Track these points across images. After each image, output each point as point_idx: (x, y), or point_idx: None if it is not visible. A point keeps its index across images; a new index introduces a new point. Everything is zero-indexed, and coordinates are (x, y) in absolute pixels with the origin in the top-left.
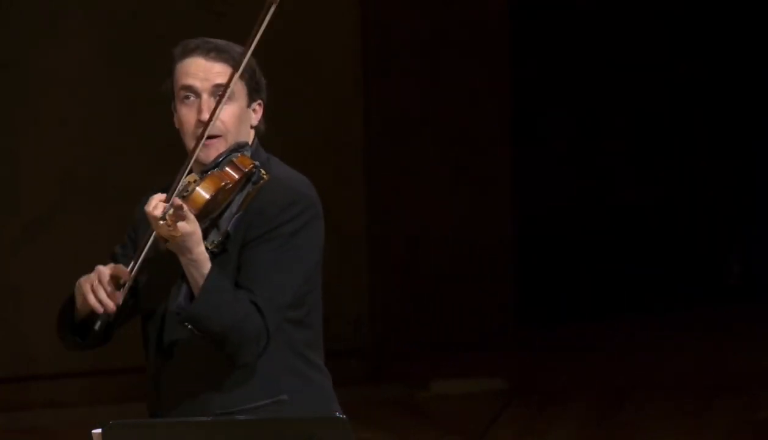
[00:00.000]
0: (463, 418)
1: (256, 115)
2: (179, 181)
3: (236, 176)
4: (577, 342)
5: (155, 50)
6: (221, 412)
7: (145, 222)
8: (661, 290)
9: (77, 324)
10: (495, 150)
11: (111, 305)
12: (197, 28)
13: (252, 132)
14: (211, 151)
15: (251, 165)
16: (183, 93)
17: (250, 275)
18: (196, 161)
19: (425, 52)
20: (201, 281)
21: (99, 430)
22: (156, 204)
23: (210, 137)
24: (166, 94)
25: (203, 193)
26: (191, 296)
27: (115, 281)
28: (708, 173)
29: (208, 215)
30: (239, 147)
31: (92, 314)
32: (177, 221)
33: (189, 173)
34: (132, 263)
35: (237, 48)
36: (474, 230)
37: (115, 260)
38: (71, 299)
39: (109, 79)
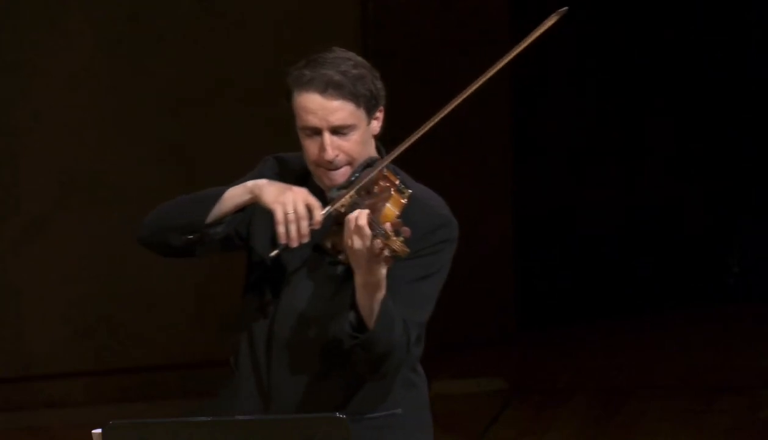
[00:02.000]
0: (462, 418)
1: (378, 122)
2: (335, 203)
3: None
4: (577, 341)
5: (156, 50)
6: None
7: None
8: (661, 289)
9: (203, 224)
10: (495, 150)
11: (297, 242)
12: (197, 29)
13: (373, 141)
14: (338, 178)
15: (397, 180)
16: (303, 128)
17: (394, 293)
18: (322, 183)
19: (425, 52)
20: (375, 306)
21: (99, 430)
22: (361, 216)
23: (335, 168)
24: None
25: (392, 211)
26: (357, 316)
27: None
28: (707, 172)
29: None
30: (369, 163)
31: (217, 223)
32: (406, 236)
33: (340, 190)
34: (328, 207)
35: (351, 70)
36: (474, 230)
37: None
38: (213, 196)
39: (110, 80)
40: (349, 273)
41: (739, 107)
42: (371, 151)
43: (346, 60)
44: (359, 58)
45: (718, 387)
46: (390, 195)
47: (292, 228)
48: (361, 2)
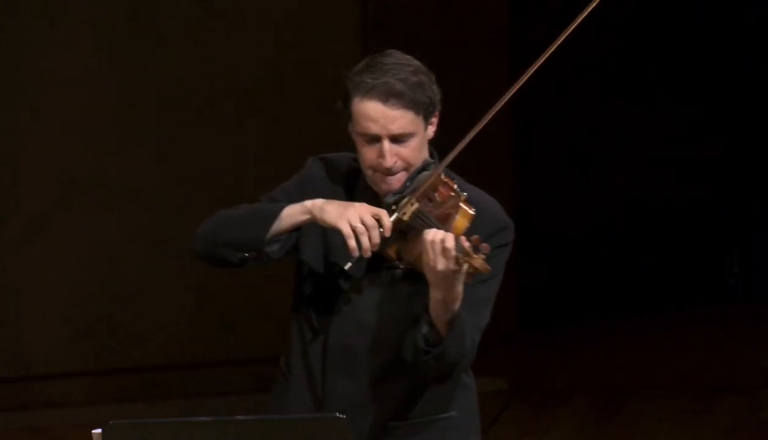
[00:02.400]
0: None
1: (433, 127)
2: (398, 212)
3: (454, 195)
4: (577, 341)
5: (156, 50)
6: (393, 423)
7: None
8: (661, 289)
9: (263, 243)
10: (495, 151)
11: (370, 252)
12: (197, 29)
13: (427, 145)
14: (394, 184)
15: (454, 185)
16: (362, 134)
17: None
18: (378, 188)
19: (425, 52)
20: (450, 318)
21: (99, 430)
22: (446, 238)
23: (392, 174)
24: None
25: (463, 223)
26: (430, 329)
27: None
28: (708, 172)
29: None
30: (425, 167)
31: (273, 241)
32: (486, 252)
33: (404, 199)
34: (395, 215)
35: (411, 77)
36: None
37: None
38: (270, 213)
39: (110, 80)
40: (407, 277)
41: (740, 107)
42: (426, 155)
43: (406, 66)
44: (416, 62)
45: (718, 387)
46: (458, 208)
47: (364, 239)
48: (361, 2)
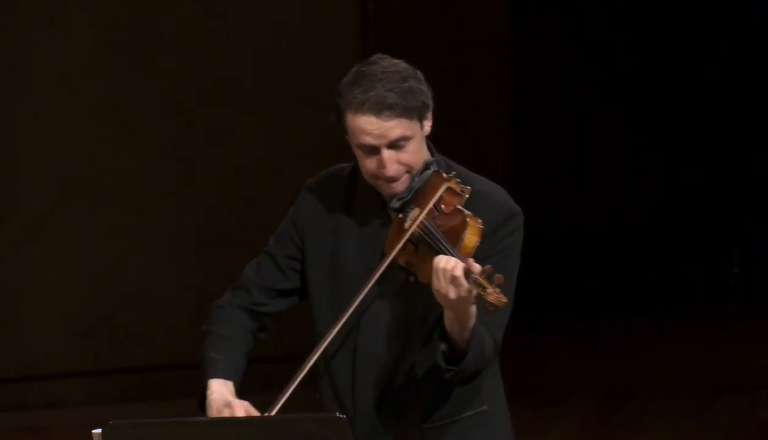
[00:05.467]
0: None
1: (428, 123)
2: (403, 225)
3: (456, 201)
4: (576, 341)
5: (156, 51)
6: (428, 427)
7: (317, 233)
8: (662, 290)
9: None
10: (495, 150)
11: None
12: (197, 29)
13: (425, 141)
14: (399, 187)
15: (458, 185)
16: (361, 147)
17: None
18: (383, 192)
19: (425, 52)
20: (466, 335)
21: (99, 430)
22: (457, 267)
23: (395, 180)
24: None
25: (473, 241)
26: (448, 346)
27: None
28: (708, 172)
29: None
30: (427, 166)
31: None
32: (499, 284)
33: (410, 209)
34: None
35: (401, 84)
36: None
37: (272, 258)
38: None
39: (110, 80)
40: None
41: (740, 107)
42: (426, 154)
43: (394, 73)
44: (403, 65)
45: (719, 387)
46: (466, 224)
47: None
48: (361, 2)
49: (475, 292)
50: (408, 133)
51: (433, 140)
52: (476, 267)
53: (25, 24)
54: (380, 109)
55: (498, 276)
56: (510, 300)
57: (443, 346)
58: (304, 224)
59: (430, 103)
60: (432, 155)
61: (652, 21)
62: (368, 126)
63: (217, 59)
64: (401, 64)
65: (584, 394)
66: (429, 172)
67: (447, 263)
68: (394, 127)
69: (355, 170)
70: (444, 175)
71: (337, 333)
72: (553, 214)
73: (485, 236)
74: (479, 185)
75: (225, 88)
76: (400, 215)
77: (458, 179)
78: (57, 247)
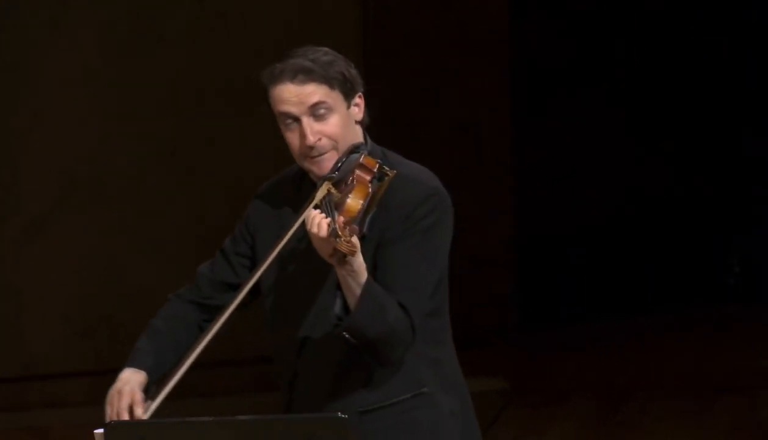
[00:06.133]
0: None
1: (358, 109)
2: (313, 198)
3: (368, 178)
4: (577, 341)
5: (156, 51)
6: (362, 410)
7: (266, 230)
8: (662, 289)
9: None
10: (496, 150)
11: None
12: (198, 29)
13: (359, 128)
14: (326, 163)
15: (376, 164)
16: (283, 119)
17: (392, 274)
18: (314, 174)
19: (425, 52)
20: (358, 290)
21: (101, 430)
22: (320, 223)
23: (321, 154)
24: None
25: (356, 202)
26: (345, 305)
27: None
28: (708, 172)
29: (354, 222)
30: (355, 149)
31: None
32: (351, 236)
33: (321, 185)
34: (153, 404)
35: (321, 57)
36: (474, 229)
37: (225, 255)
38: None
39: (110, 80)
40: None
41: (741, 106)
42: (357, 138)
43: (316, 50)
44: (331, 50)
45: (719, 387)
46: (353, 187)
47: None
48: (361, 2)
49: (336, 244)
50: (327, 100)
51: (435, 139)
52: (339, 222)
53: (26, 24)
54: (295, 73)
55: (353, 227)
56: (430, 284)
57: (338, 303)
58: (254, 223)
59: (359, 87)
60: (365, 143)
61: (653, 20)
62: (286, 93)
63: (217, 59)
64: (331, 50)
65: (584, 394)
66: (356, 155)
67: (312, 222)
68: (312, 93)
69: (302, 170)
70: (364, 159)
71: (274, 319)
72: (553, 214)
73: (402, 215)
74: (407, 169)
75: (225, 88)
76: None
77: (385, 165)
78: (57, 247)
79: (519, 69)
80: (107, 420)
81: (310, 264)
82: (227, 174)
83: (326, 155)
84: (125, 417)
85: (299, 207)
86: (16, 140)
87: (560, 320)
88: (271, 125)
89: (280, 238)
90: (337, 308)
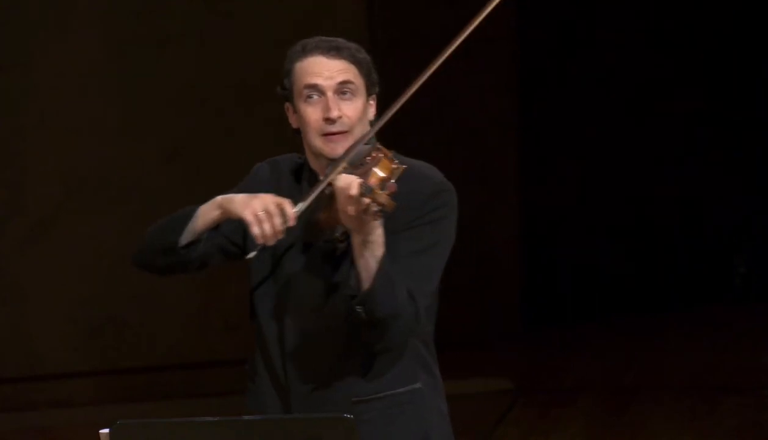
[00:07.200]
0: (468, 418)
1: (371, 109)
2: (331, 172)
3: (390, 156)
4: (582, 341)
5: (160, 51)
6: (356, 400)
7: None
8: (668, 290)
9: (177, 245)
10: (500, 149)
11: (272, 240)
12: (202, 29)
13: (367, 128)
14: (339, 147)
15: (391, 152)
16: (307, 92)
17: (400, 262)
18: (323, 155)
19: (431, 50)
20: (373, 264)
21: (107, 430)
22: (353, 182)
23: (337, 133)
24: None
25: (386, 168)
26: (357, 276)
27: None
28: (713, 173)
29: (389, 181)
30: (368, 141)
31: (195, 242)
32: (389, 192)
33: (333, 166)
34: (300, 205)
35: (353, 44)
36: (479, 229)
37: (223, 234)
38: (185, 215)
39: (115, 81)
40: (347, 252)
41: (751, 106)
42: (367, 127)
43: (345, 39)
44: None
45: (725, 388)
46: (379, 160)
47: (266, 227)
48: (367, 1)
49: (370, 202)
50: (355, 82)
51: (438, 139)
52: (372, 181)
53: (31, 25)
54: (329, 48)
55: (391, 184)
56: (435, 276)
57: (353, 279)
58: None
59: (376, 87)
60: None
61: (656, 19)
62: (316, 66)
63: (222, 59)
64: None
65: (590, 394)
66: (368, 146)
67: (344, 180)
68: (343, 70)
69: (304, 163)
70: (378, 147)
71: (267, 313)
72: (557, 215)
73: (413, 207)
74: (415, 166)
75: (230, 88)
76: (328, 173)
77: (396, 159)
78: (63, 247)
79: (525, 68)
80: (251, 216)
81: (305, 259)
82: (233, 174)
83: (342, 136)
84: (275, 210)
85: (299, 196)
86: (22, 141)
87: (566, 320)
88: (276, 126)
89: (306, 259)
90: (353, 280)
